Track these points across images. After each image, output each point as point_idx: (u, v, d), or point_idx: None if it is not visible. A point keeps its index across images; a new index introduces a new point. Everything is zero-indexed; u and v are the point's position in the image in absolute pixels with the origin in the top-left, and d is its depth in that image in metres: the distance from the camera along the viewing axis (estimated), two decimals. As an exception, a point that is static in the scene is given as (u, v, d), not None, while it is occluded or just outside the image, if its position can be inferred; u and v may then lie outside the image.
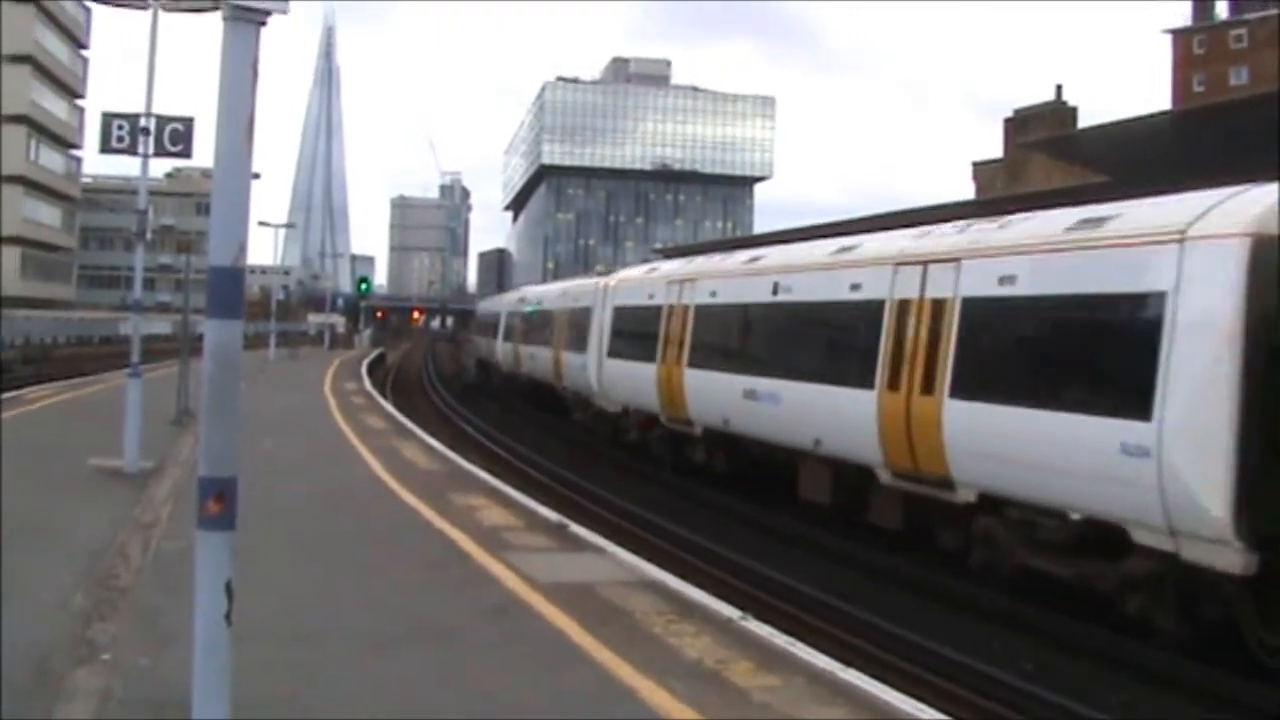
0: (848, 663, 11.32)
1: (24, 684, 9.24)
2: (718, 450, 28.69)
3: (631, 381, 33.46)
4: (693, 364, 29.04)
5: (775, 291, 25.07)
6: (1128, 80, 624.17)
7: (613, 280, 38.60)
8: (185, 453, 24.14)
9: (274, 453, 24.86)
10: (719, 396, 27.01)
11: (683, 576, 15.37)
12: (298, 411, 37.36)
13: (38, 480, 19.79)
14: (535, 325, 52.53)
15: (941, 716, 9.56)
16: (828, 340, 23.41)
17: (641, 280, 35.68)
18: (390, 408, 41.68)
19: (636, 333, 33.91)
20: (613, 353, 35.84)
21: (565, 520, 18.73)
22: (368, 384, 54.02)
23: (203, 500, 5.94)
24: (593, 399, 38.60)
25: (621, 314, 35.98)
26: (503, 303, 70.46)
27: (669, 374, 30.16)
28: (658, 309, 31.85)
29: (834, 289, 22.39)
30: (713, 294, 28.91)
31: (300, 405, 40.23)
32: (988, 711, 12.74)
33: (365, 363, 71.81)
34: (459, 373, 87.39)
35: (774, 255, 27.25)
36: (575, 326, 42.14)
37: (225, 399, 5.98)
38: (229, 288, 5.96)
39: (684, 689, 9.88)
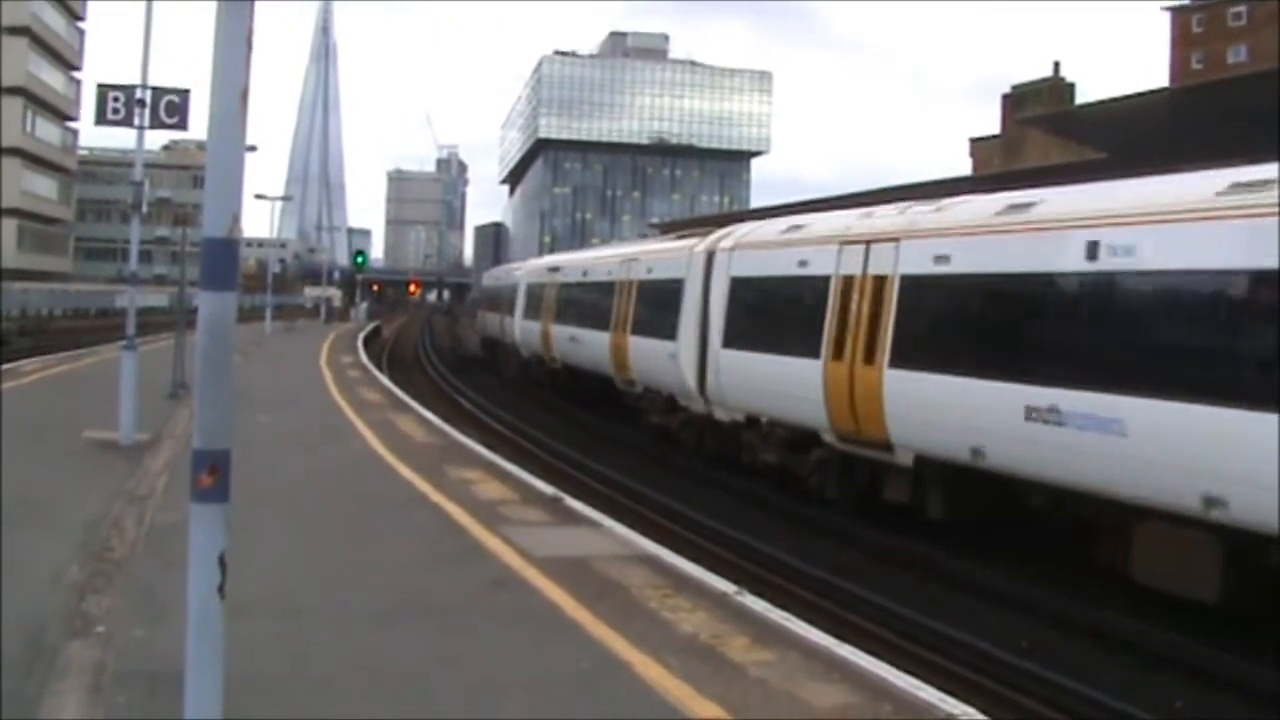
0: (843, 638, 11.32)
1: (18, 658, 9.21)
2: (938, 489, 19.71)
3: (769, 383, 24.21)
4: (902, 362, 19.93)
5: (1093, 255, 15.90)
6: (1126, 58, 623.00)
7: (726, 242, 28.03)
8: (180, 425, 24.07)
9: (269, 426, 24.85)
10: (964, 413, 18.12)
11: (677, 551, 15.36)
12: (293, 385, 37.37)
13: (33, 453, 19.74)
14: (578, 301, 42.43)
15: (937, 693, 9.55)
16: (1246, 333, 13.95)
17: (781, 241, 25.48)
18: (386, 381, 41.63)
19: (777, 315, 24.81)
20: (733, 341, 26.10)
21: (560, 494, 18.72)
22: (364, 357, 54.00)
23: (196, 473, 5.90)
24: (685, 401, 29.30)
25: (747, 288, 26.20)
26: (522, 272, 57.89)
27: (849, 375, 21.18)
28: (820, 281, 22.49)
29: (1249, 249, 13.50)
30: (940, 259, 19.64)
31: (296, 379, 40.26)
32: (983, 688, 12.73)
33: (361, 336, 71.81)
34: (455, 346, 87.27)
35: (1069, 200, 17.70)
36: (652, 304, 32.73)
37: (219, 371, 5.93)
38: (223, 259, 5.91)
39: (679, 664, 9.86)
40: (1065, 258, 16.55)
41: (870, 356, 20.59)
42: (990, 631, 14.74)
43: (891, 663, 10.56)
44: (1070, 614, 15.65)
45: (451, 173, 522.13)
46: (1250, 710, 12.72)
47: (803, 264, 23.64)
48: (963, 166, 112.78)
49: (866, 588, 16.70)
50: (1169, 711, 12.55)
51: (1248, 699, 12.88)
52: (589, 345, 39.10)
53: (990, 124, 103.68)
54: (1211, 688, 13.21)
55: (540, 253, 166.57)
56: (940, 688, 9.88)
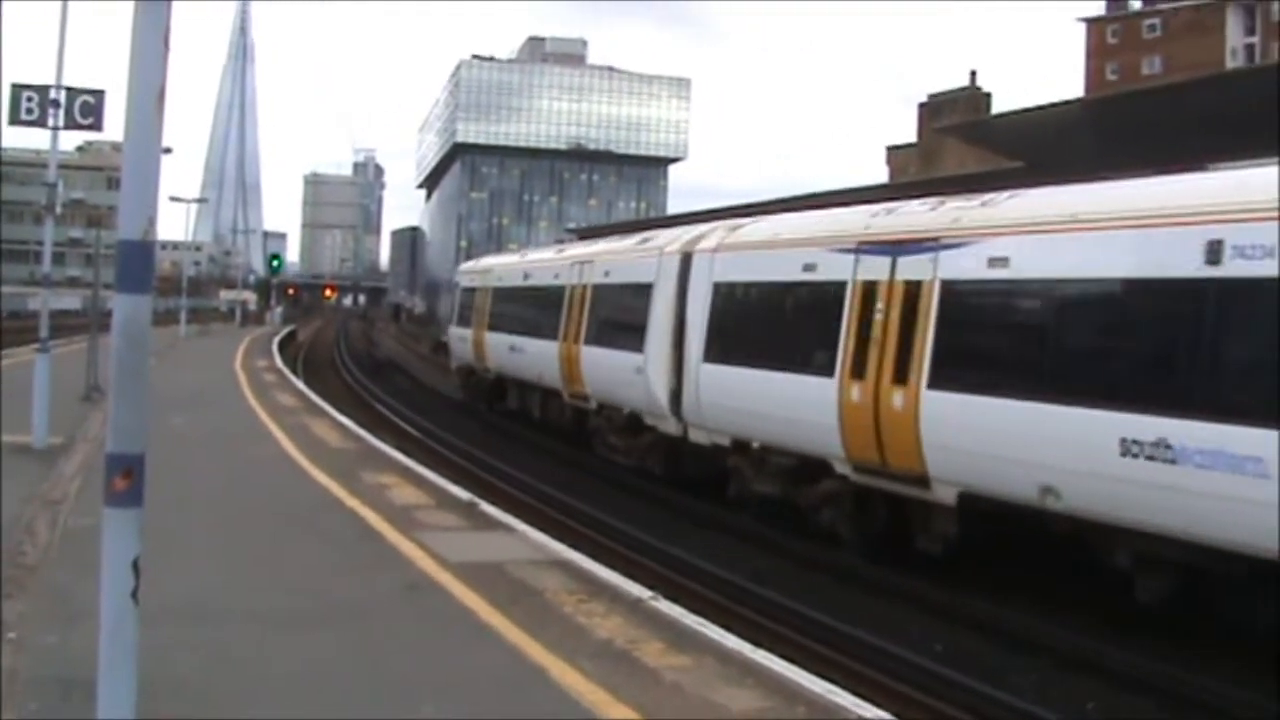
0: (758, 643, 11.37)
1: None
2: None
3: None
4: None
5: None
6: (1042, 68, 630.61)
7: None
8: (94, 429, 23.84)
9: (183, 430, 24.64)
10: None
11: (593, 556, 15.38)
12: (208, 388, 37.05)
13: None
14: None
15: (851, 697, 9.62)
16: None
17: None
18: (301, 385, 41.40)
19: None
20: None
21: (476, 499, 18.69)
22: (279, 361, 53.74)
23: (110, 477, 5.85)
24: None
25: None
26: (655, 253, 27.08)
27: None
28: None
29: None
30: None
31: (211, 382, 39.92)
32: (897, 692, 12.81)
33: (276, 340, 71.41)
34: (370, 349, 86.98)
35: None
36: None
37: (133, 374, 5.89)
38: (138, 262, 5.87)
39: (594, 669, 9.89)
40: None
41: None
42: (906, 636, 14.84)
43: (806, 667, 10.63)
44: (983, 617, 15.79)
45: (368, 176, 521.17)
46: (1162, 712, 12.87)
47: None
48: (880, 174, 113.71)
49: (783, 593, 16.75)
50: (1082, 713, 12.69)
51: (1160, 700, 13.03)
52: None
53: (907, 132, 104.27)
54: (1125, 689, 13.35)
55: (457, 258, 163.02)
56: (854, 692, 9.96)
